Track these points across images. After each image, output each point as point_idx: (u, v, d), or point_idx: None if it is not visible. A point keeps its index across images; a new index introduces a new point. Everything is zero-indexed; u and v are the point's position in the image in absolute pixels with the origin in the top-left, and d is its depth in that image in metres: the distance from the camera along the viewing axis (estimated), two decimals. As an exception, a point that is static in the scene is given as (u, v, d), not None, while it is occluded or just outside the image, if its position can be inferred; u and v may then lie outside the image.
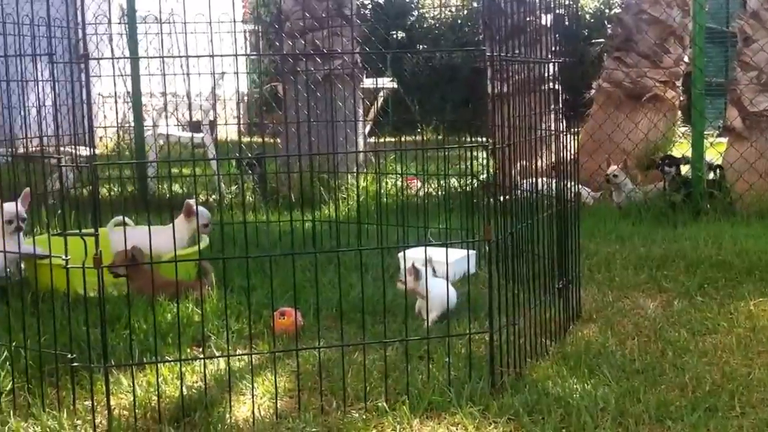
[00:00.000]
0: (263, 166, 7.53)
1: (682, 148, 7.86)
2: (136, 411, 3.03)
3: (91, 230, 2.94)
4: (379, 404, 3.11)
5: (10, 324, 3.40)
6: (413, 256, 4.17)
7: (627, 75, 8.10)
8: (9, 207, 4.34)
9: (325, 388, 3.23)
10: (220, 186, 6.93)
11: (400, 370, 3.40)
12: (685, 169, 7.09)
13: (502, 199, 3.42)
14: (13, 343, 3.30)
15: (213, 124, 8.44)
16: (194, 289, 4.32)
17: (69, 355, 3.08)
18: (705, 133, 7.11)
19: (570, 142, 4.07)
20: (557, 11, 4.16)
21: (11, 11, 5.11)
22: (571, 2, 4.18)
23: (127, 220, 4.83)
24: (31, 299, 3.85)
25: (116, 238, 4.62)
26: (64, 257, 2.98)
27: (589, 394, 3.15)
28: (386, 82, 11.42)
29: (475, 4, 11.91)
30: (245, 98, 12.35)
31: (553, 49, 4.13)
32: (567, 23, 4.23)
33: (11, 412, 3.07)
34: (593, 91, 8.48)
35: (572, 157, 4.12)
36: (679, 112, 8.61)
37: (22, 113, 5.83)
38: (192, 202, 4.82)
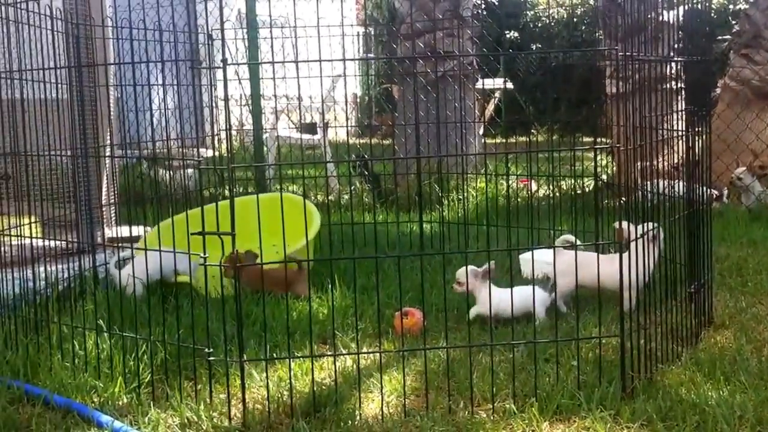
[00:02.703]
0: (373, 168, 7.59)
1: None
2: (270, 405, 3.12)
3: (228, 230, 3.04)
4: (507, 405, 3.10)
5: (150, 319, 3.55)
6: (536, 258, 4.11)
7: (756, 73, 7.78)
8: None
9: (451, 388, 3.24)
10: (334, 186, 6.98)
11: (526, 371, 3.38)
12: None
13: (625, 201, 3.35)
14: (152, 337, 3.46)
15: (326, 126, 8.58)
16: (298, 282, 4.45)
17: (206, 350, 3.19)
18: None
19: (699, 143, 3.94)
20: (686, 7, 4.04)
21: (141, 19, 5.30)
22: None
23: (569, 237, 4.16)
24: (166, 295, 4.01)
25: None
26: (202, 255, 3.09)
27: (726, 401, 3.05)
28: (500, 83, 11.35)
29: (591, 2, 11.68)
30: (358, 100, 12.51)
31: (676, 46, 4.01)
32: (697, 19, 4.10)
33: (151, 403, 3.20)
34: (718, 90, 8.18)
35: (702, 158, 3.98)
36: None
37: (146, 117, 6.06)
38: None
